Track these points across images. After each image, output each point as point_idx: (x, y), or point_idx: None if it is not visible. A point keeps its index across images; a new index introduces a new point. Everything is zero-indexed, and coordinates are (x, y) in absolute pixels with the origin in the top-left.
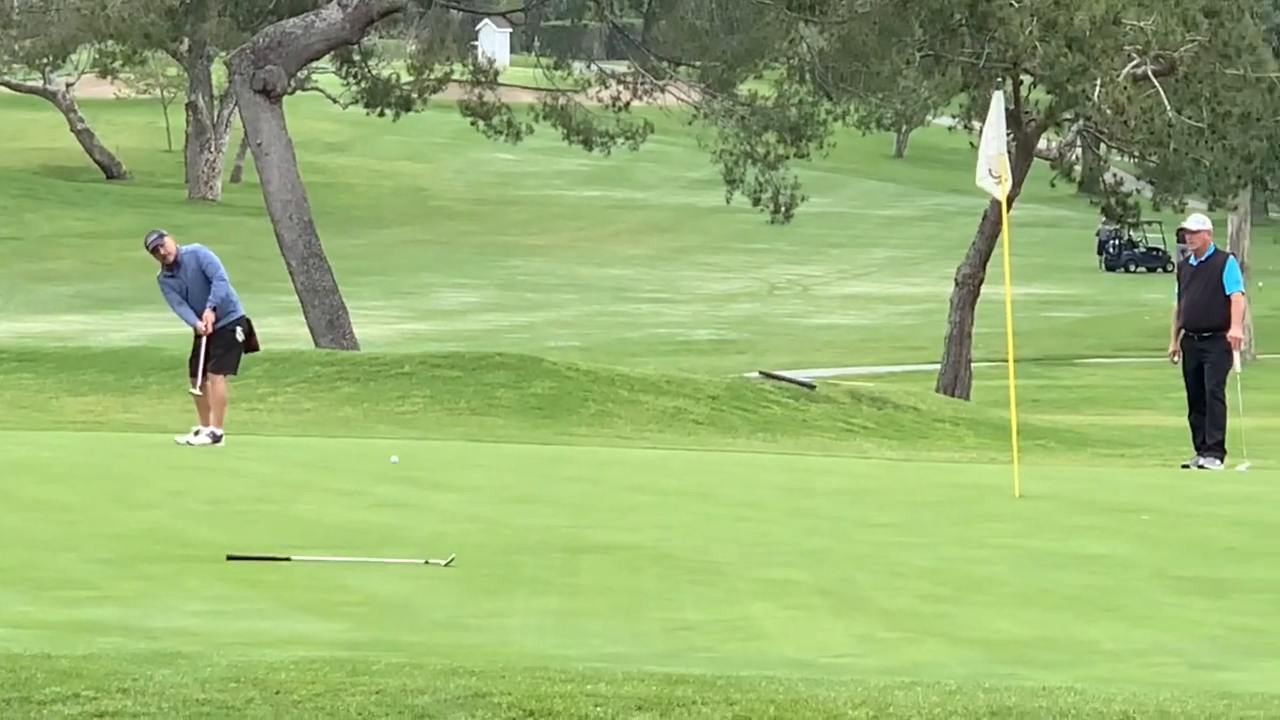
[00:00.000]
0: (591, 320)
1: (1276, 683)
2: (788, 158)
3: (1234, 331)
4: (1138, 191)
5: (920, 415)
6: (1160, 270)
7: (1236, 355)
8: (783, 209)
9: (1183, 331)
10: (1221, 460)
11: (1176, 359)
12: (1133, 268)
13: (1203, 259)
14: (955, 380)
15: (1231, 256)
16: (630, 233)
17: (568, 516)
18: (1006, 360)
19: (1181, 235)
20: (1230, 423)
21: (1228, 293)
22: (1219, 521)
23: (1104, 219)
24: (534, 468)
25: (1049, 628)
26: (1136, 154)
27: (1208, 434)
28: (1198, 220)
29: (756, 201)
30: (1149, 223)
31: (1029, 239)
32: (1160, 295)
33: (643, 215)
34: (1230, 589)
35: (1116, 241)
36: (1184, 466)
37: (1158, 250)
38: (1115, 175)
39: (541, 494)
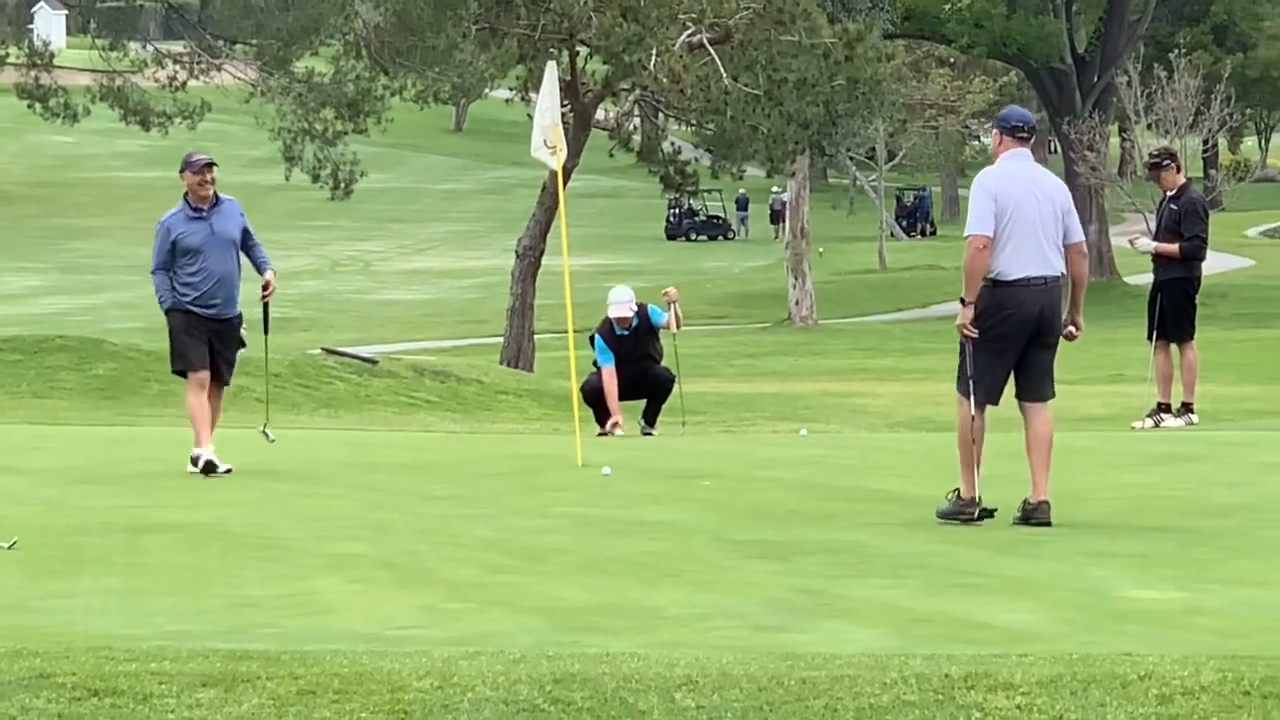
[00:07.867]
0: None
1: (836, 643)
2: (345, 133)
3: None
4: (696, 160)
5: (484, 388)
6: (721, 238)
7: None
8: (342, 185)
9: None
10: None
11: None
12: (693, 236)
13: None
14: (519, 352)
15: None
16: None
17: (131, 497)
18: (567, 331)
19: (741, 202)
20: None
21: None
22: (780, 485)
23: (664, 188)
24: (97, 449)
25: (612, 594)
26: (694, 122)
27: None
28: (624, 300)
29: (316, 178)
30: (708, 191)
31: (589, 210)
32: (721, 263)
33: None
34: (791, 551)
35: (677, 210)
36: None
37: (718, 218)
38: (673, 144)
39: (105, 475)
